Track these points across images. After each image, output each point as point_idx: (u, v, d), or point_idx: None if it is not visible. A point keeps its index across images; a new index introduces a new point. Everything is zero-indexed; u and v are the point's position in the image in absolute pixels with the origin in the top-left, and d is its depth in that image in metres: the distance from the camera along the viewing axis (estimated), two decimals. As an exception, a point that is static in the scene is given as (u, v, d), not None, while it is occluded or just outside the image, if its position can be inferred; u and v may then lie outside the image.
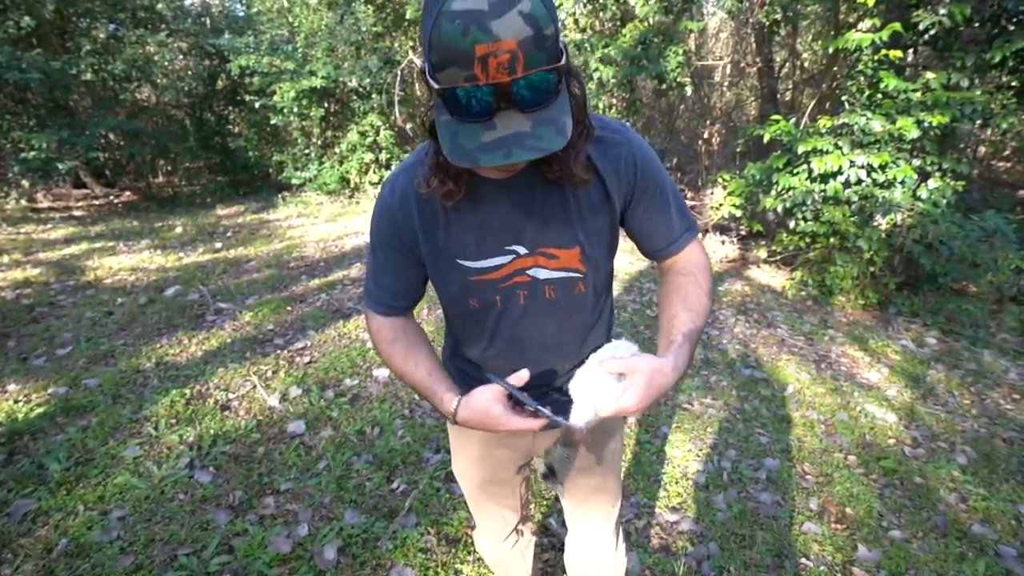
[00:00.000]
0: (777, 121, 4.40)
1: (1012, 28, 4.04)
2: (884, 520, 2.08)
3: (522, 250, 0.87)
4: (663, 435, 2.52)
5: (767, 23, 5.94)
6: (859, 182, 3.93)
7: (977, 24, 4.32)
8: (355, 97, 7.46)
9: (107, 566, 1.69)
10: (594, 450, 1.13)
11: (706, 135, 6.76)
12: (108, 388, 2.65)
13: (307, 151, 7.93)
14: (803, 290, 4.48)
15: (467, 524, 1.94)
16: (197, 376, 2.79)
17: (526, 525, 1.34)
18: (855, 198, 3.98)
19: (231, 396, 2.64)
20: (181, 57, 8.50)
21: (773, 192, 4.35)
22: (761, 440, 2.54)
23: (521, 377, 0.84)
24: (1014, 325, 3.88)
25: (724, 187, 5.15)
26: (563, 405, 0.84)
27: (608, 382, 0.80)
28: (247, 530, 1.85)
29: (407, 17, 6.83)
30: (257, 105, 7.37)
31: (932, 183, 3.85)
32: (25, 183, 6.98)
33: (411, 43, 7.44)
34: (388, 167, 7.69)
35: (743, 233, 5.73)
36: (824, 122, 4.20)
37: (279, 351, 3.12)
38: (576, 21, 5.77)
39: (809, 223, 4.21)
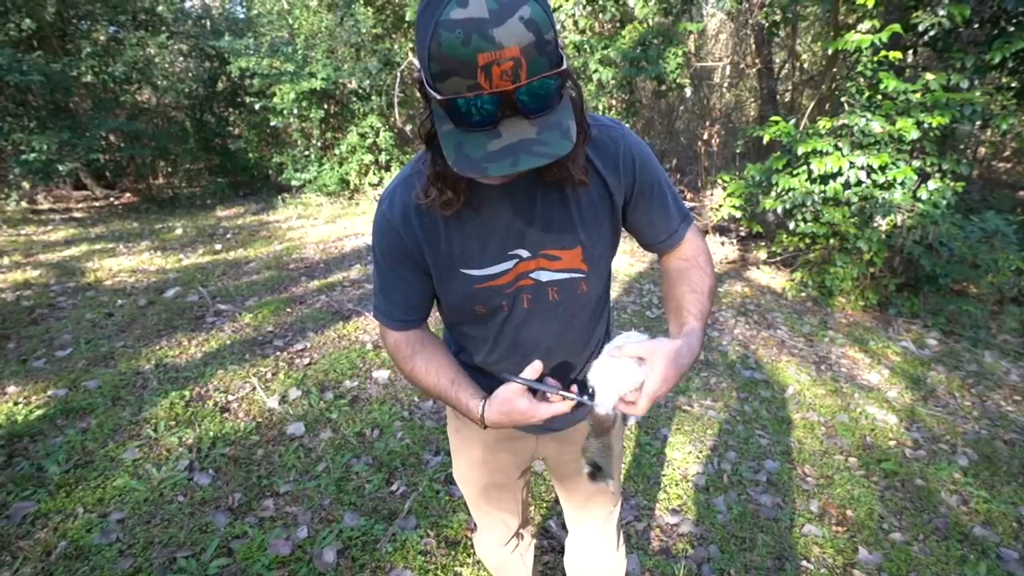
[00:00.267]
0: (777, 122, 4.40)
1: (1012, 29, 4.04)
2: (885, 522, 2.08)
3: (525, 253, 0.87)
4: (663, 437, 2.52)
5: (766, 24, 5.95)
6: (859, 183, 3.93)
7: (977, 25, 4.33)
8: (355, 99, 7.47)
9: (106, 569, 1.68)
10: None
11: (706, 136, 6.76)
12: (107, 390, 2.64)
13: (307, 152, 7.93)
14: (803, 291, 4.48)
15: (467, 527, 1.93)
16: (196, 378, 2.79)
17: (526, 529, 1.34)
18: (855, 199, 3.98)
19: (230, 398, 2.64)
20: (181, 59, 8.52)
21: (773, 193, 4.35)
22: (761, 442, 2.53)
23: (536, 368, 0.83)
24: (1015, 326, 3.88)
25: (724, 188, 5.15)
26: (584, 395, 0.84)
27: (629, 366, 0.80)
28: (246, 532, 1.85)
29: (407, 19, 6.85)
30: (257, 107, 7.38)
31: (932, 184, 3.85)
32: (25, 184, 6.98)
33: (411, 45, 7.45)
34: (388, 168, 7.70)
35: (743, 234, 5.73)
36: (824, 123, 4.20)
37: (278, 353, 3.12)
38: (575, 23, 5.77)
39: (809, 224, 4.21)
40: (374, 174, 7.65)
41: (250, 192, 8.69)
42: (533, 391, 0.83)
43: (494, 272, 0.88)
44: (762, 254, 5.23)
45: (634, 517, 2.04)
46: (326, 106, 7.48)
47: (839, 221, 4.00)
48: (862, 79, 4.13)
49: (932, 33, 3.99)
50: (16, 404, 2.50)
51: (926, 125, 3.74)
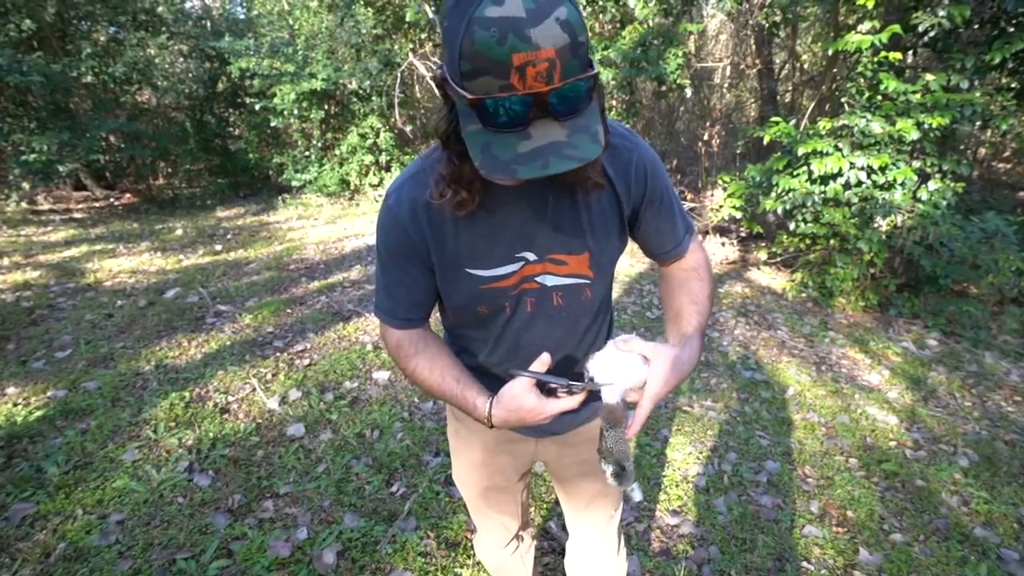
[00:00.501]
0: (777, 123, 4.40)
1: (1012, 30, 4.04)
2: (885, 523, 2.07)
3: (532, 256, 0.87)
4: (663, 438, 2.52)
5: (766, 25, 5.95)
6: (859, 184, 3.93)
7: (976, 26, 4.33)
8: (355, 99, 7.47)
9: (105, 570, 1.68)
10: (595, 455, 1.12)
11: (706, 137, 6.76)
12: (107, 391, 2.64)
13: (307, 153, 7.93)
14: (803, 292, 4.48)
15: (467, 528, 1.93)
16: (196, 379, 2.79)
17: (526, 531, 1.34)
18: (855, 200, 3.98)
19: (230, 399, 2.63)
20: (181, 59, 8.52)
21: (773, 194, 4.35)
22: (762, 443, 2.53)
23: (544, 361, 0.83)
24: (1015, 327, 3.87)
25: (724, 189, 5.15)
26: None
27: (635, 361, 0.81)
28: (246, 534, 1.85)
29: (407, 20, 6.84)
30: (257, 107, 7.37)
31: (932, 184, 3.85)
32: (26, 185, 6.98)
33: (411, 45, 7.45)
34: (388, 169, 7.70)
35: (743, 235, 5.73)
36: (824, 124, 4.20)
37: (278, 353, 3.12)
38: (576, 23, 5.77)
39: (809, 225, 4.21)
40: (374, 175, 7.65)
41: (250, 193, 8.69)
42: (540, 387, 0.83)
43: (500, 273, 0.87)
44: (762, 255, 5.23)
45: (634, 518, 2.03)
46: (326, 107, 7.48)
47: (839, 222, 4.00)
48: (862, 80, 4.13)
49: (932, 34, 3.99)
50: (15, 405, 2.49)
51: (926, 126, 3.74)
